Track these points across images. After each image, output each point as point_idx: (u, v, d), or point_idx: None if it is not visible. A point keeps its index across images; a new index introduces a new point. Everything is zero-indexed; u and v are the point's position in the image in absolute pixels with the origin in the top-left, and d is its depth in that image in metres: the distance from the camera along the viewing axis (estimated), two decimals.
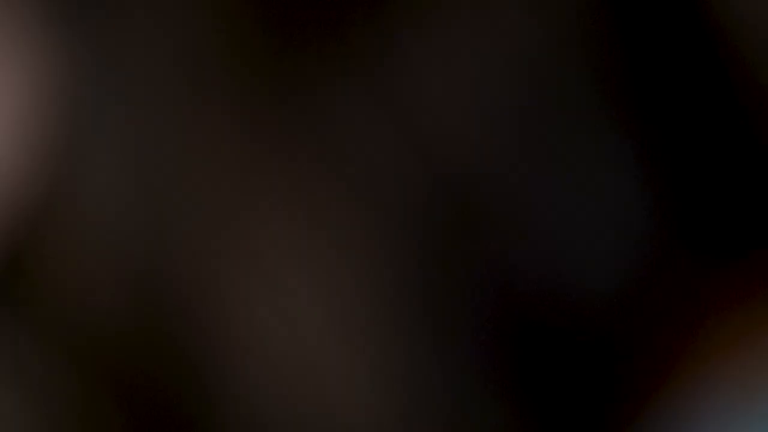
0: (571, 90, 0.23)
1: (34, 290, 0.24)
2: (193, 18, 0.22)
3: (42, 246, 0.24)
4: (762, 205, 0.25)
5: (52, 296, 0.24)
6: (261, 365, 0.23)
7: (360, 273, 0.23)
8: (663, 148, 0.25)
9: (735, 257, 0.24)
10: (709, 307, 0.24)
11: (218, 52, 0.23)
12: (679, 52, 0.25)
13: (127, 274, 0.24)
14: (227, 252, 0.23)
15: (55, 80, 0.22)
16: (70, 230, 0.23)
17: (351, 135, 0.24)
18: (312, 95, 0.23)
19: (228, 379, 0.23)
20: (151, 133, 0.23)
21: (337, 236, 0.23)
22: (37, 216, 0.23)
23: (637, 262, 0.24)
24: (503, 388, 0.24)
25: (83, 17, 0.23)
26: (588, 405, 0.24)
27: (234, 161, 0.24)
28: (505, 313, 0.24)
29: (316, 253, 0.23)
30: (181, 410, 0.23)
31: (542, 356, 0.24)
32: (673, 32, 0.24)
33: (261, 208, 0.23)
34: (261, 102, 0.23)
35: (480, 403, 0.24)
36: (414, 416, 0.24)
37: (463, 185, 0.24)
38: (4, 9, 0.22)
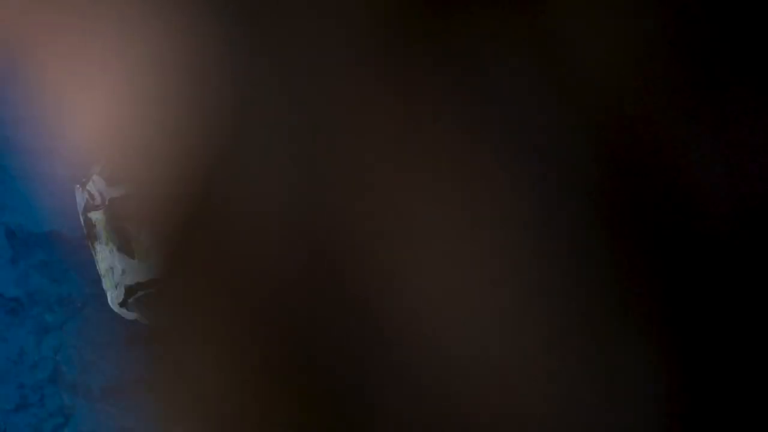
0: None
1: (209, 253, 0.25)
2: None
3: (213, 212, 0.25)
4: None
5: (227, 260, 0.25)
6: (426, 331, 0.24)
7: (524, 239, 0.24)
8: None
9: None
10: None
11: (375, 15, 0.24)
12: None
13: (293, 236, 0.24)
14: (389, 214, 0.24)
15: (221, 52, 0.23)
16: (239, 195, 0.25)
17: (511, 98, 0.24)
18: (471, 59, 0.24)
19: (393, 343, 0.23)
20: (312, 103, 0.24)
21: (498, 198, 0.24)
22: (209, 184, 0.24)
23: None
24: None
25: None
26: None
27: (393, 125, 0.24)
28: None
29: (475, 216, 0.24)
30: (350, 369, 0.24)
31: None
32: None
33: (423, 174, 0.24)
34: (421, 68, 0.24)
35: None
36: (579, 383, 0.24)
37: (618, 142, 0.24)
38: None
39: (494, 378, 0.24)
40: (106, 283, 0.79)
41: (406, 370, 0.24)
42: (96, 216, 0.79)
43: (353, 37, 0.24)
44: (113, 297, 0.79)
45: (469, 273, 0.24)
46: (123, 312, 0.80)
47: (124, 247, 0.79)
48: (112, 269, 0.79)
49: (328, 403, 0.25)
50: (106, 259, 0.79)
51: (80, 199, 0.79)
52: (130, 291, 0.79)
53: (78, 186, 0.79)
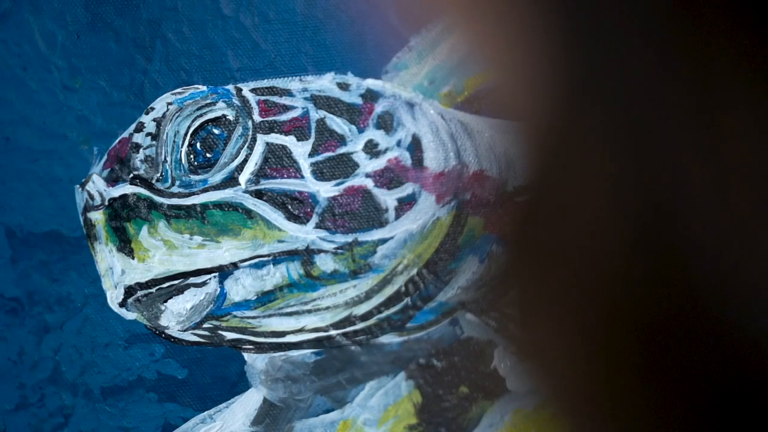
0: None
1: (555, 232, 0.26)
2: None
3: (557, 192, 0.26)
4: None
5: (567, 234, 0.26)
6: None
7: None
8: None
9: None
10: None
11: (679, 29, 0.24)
12: None
13: (626, 215, 0.25)
14: (710, 208, 0.24)
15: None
16: (575, 188, 0.26)
17: None
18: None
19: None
20: (638, 100, 0.25)
21: None
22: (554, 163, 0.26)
23: None
24: None
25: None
26: None
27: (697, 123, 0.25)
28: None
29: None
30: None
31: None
32: None
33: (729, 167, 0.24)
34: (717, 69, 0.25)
35: None
36: None
37: None
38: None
39: None
40: (106, 283, 0.79)
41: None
42: (96, 216, 0.79)
43: (661, 38, 0.24)
44: (113, 297, 0.79)
45: None
46: (123, 312, 0.80)
47: (124, 247, 0.79)
48: (112, 269, 0.79)
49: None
50: (105, 259, 0.79)
51: (80, 199, 0.79)
52: (129, 291, 0.79)
53: (78, 186, 0.79)
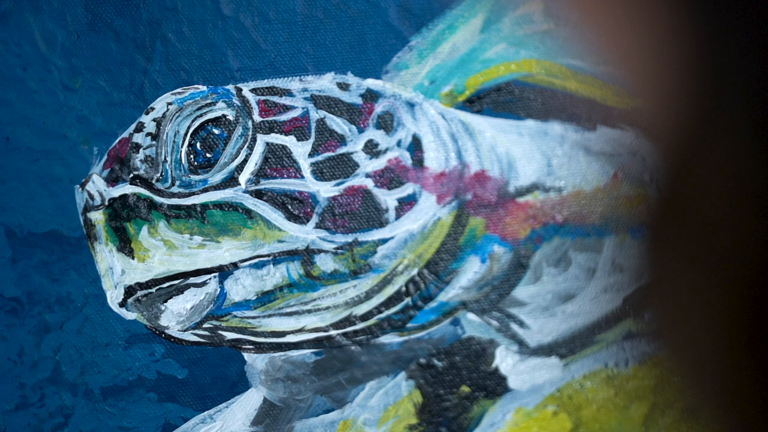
0: None
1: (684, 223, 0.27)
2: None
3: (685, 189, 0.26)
4: None
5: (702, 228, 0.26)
6: None
7: None
8: None
9: None
10: None
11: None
12: None
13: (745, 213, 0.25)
14: None
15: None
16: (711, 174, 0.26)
17: None
18: None
19: None
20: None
21: None
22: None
23: None
24: None
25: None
26: None
27: None
28: None
29: None
30: None
31: None
32: None
33: None
34: None
35: None
36: None
37: None
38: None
39: None
40: (106, 283, 0.79)
41: None
42: (96, 216, 0.79)
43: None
44: (113, 297, 0.79)
45: None
46: (123, 312, 0.80)
47: (124, 247, 0.79)
48: (112, 269, 0.79)
49: None
50: (105, 259, 0.79)
51: (80, 199, 0.79)
52: (129, 291, 0.79)
53: (78, 186, 0.79)
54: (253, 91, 0.81)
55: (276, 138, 0.80)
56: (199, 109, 0.80)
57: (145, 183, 0.79)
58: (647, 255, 0.29)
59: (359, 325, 0.81)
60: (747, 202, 0.26)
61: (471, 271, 0.81)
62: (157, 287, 0.79)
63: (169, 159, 0.79)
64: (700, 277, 0.27)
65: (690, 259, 0.27)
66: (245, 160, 0.80)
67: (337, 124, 0.81)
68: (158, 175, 0.79)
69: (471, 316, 0.82)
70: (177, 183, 0.79)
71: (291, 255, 0.80)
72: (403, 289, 0.81)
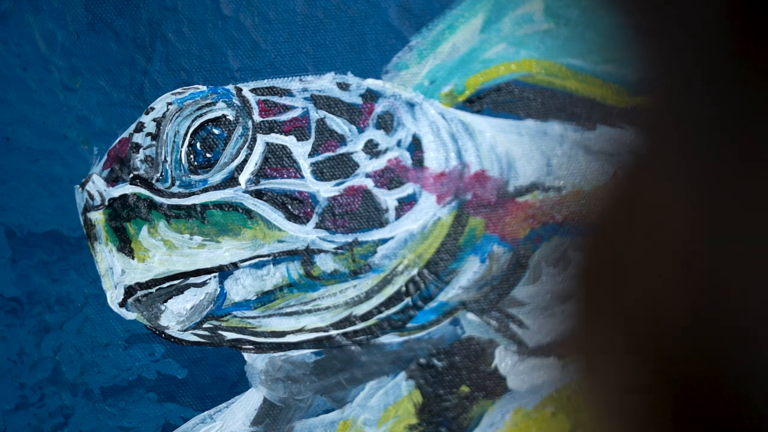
0: None
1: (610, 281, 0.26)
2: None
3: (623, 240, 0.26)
4: None
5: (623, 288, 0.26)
6: None
7: None
8: None
9: None
10: None
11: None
12: None
13: (682, 281, 0.25)
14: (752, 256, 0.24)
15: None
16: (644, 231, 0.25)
17: None
18: None
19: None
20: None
21: None
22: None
23: None
24: None
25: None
26: None
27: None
28: None
29: None
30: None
31: None
32: None
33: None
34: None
35: None
36: None
37: None
38: None
39: None
40: (106, 283, 0.79)
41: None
42: (96, 216, 0.79)
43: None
44: (113, 297, 0.79)
45: None
46: (123, 312, 0.80)
47: (124, 247, 0.79)
48: (112, 269, 0.79)
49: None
50: (105, 259, 0.79)
51: (80, 199, 0.79)
52: (129, 291, 0.79)
53: (78, 186, 0.79)
54: (253, 91, 0.81)
55: (276, 138, 0.80)
56: (199, 109, 0.80)
57: (145, 183, 0.79)
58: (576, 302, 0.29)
59: (359, 325, 0.81)
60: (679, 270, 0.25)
61: (471, 271, 0.81)
62: (157, 287, 0.79)
63: (169, 159, 0.79)
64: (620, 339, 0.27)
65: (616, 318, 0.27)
66: (245, 160, 0.80)
67: (337, 124, 0.81)
68: (158, 175, 0.79)
69: (471, 316, 0.82)
70: (177, 183, 0.79)
71: (291, 255, 0.80)
72: (403, 289, 0.81)
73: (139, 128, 0.80)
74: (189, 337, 0.80)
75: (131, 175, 0.79)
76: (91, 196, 0.79)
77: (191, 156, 0.79)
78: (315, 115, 0.81)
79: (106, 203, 0.79)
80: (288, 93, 0.81)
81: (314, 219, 0.80)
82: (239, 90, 0.80)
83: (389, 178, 0.81)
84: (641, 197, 0.26)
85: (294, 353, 0.81)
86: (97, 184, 0.79)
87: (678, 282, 0.25)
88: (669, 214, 0.25)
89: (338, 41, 0.81)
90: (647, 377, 0.25)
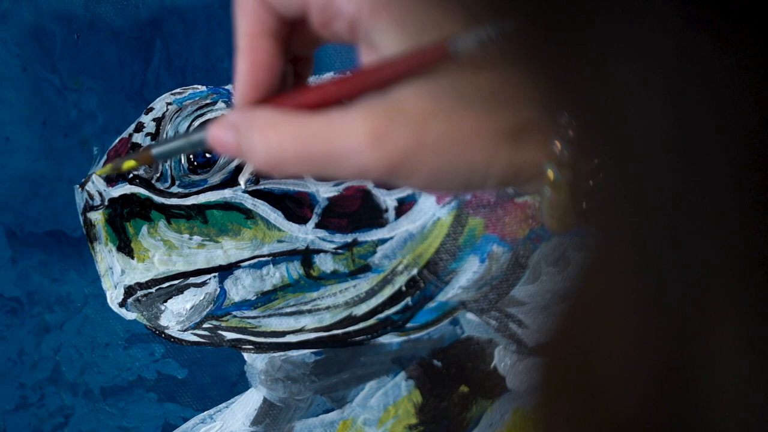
0: None
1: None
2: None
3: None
4: None
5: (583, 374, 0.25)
6: None
7: None
8: None
9: None
10: None
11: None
12: None
13: (647, 364, 0.24)
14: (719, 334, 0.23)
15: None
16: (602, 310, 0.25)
17: None
18: None
19: None
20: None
21: None
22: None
23: None
24: None
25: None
26: None
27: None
28: None
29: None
30: None
31: None
32: None
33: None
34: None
35: None
36: None
37: None
38: None
39: None
40: (106, 283, 0.79)
41: None
42: (96, 216, 0.79)
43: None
44: (113, 297, 0.79)
45: None
46: (123, 312, 0.80)
47: (124, 247, 0.79)
48: (112, 269, 0.79)
49: None
50: (105, 259, 0.79)
51: (80, 199, 0.79)
52: (129, 291, 0.79)
53: (78, 186, 0.79)
54: None
55: None
56: (198, 109, 0.80)
57: (145, 183, 0.79)
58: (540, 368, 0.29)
59: (359, 325, 0.81)
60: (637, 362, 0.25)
61: (470, 270, 0.81)
62: (157, 287, 0.79)
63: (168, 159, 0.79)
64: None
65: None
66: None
67: None
68: (158, 175, 0.79)
69: (470, 315, 0.82)
70: (177, 183, 0.79)
71: (291, 255, 0.80)
72: (403, 289, 0.81)
73: (139, 128, 0.80)
74: (189, 337, 0.80)
75: (131, 175, 0.79)
76: (91, 196, 0.79)
77: (191, 156, 0.79)
78: None
79: (106, 203, 0.79)
80: None
81: (314, 219, 0.80)
82: None
83: None
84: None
85: (294, 353, 0.81)
86: (97, 184, 0.79)
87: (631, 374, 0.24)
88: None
89: None
90: None
